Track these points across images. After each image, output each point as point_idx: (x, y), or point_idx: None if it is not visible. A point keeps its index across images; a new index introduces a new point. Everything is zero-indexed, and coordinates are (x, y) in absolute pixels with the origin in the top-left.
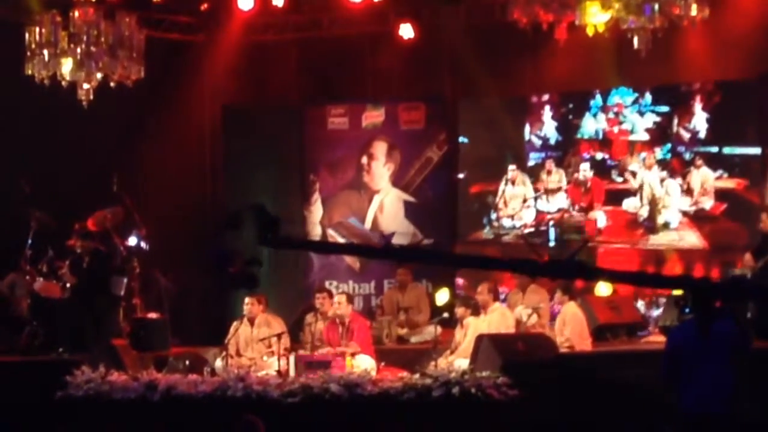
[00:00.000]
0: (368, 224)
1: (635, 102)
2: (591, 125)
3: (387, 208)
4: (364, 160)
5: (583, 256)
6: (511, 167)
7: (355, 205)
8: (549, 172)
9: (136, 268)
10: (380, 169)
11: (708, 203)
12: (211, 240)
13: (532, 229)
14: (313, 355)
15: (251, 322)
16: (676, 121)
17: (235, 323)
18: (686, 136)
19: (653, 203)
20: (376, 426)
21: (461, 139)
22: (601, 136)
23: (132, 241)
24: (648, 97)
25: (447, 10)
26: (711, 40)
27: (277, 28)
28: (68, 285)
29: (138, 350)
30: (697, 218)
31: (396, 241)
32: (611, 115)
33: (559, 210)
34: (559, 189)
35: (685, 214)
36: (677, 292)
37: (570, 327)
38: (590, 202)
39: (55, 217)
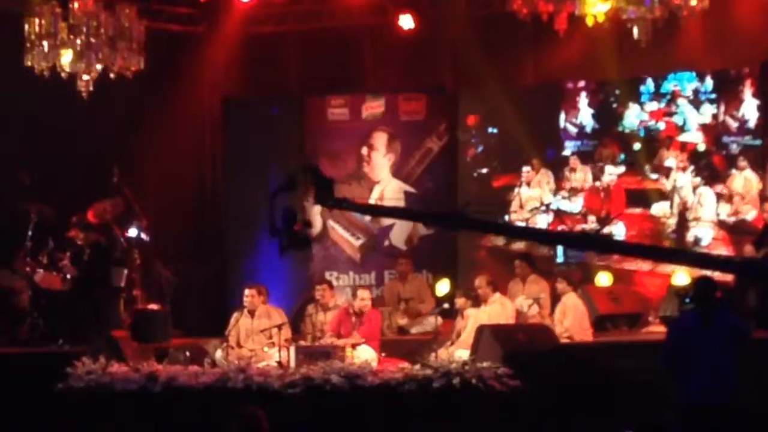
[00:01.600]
0: (368, 215)
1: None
2: (634, 115)
3: (387, 199)
4: (365, 150)
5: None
6: (526, 169)
7: (355, 195)
8: (573, 170)
9: (137, 259)
10: (380, 160)
11: (751, 213)
12: (268, 202)
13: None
14: (313, 346)
15: (252, 313)
16: (723, 108)
17: (235, 314)
18: (734, 125)
19: (683, 214)
20: (376, 417)
21: (490, 129)
22: (643, 132)
23: (132, 232)
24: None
25: (447, 0)
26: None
27: (276, 19)
28: (69, 277)
29: (139, 342)
30: (736, 231)
31: (396, 232)
32: (662, 105)
33: (572, 216)
34: (582, 190)
35: (722, 225)
36: (678, 284)
37: (570, 317)
38: (608, 212)
39: (55, 209)
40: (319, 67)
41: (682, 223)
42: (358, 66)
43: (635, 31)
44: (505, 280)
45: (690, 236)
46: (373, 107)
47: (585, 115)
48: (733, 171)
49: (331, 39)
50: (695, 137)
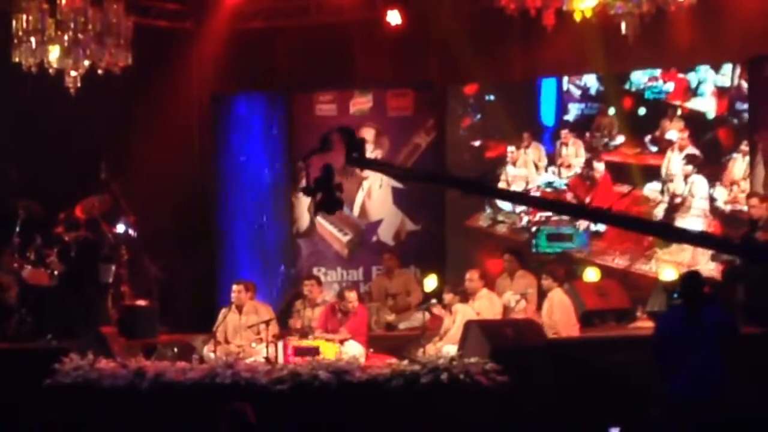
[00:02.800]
0: (356, 211)
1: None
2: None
3: (375, 195)
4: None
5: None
6: (510, 148)
7: (343, 191)
8: (565, 144)
9: (125, 255)
10: (368, 156)
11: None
12: (304, 161)
13: (526, 222)
14: (301, 342)
15: (239, 309)
16: (738, 71)
17: (223, 310)
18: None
19: (671, 203)
20: (364, 412)
21: (487, 97)
22: (649, 94)
23: (120, 228)
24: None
25: None
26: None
27: (264, 15)
28: (56, 273)
29: (126, 337)
30: (731, 221)
31: (384, 227)
32: None
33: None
34: (570, 166)
35: (716, 213)
36: (666, 279)
37: (556, 313)
38: (592, 201)
39: (42, 205)
40: (306, 63)
41: (671, 211)
42: (346, 62)
43: (623, 26)
44: (493, 276)
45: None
46: (361, 103)
47: (589, 77)
48: (734, 155)
49: (319, 35)
50: (706, 104)
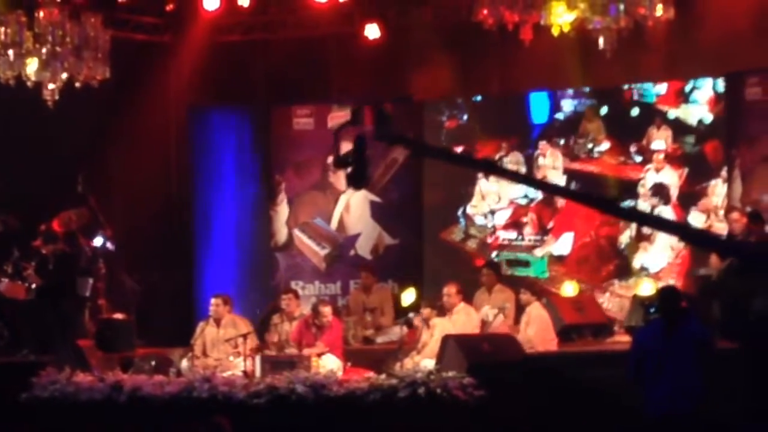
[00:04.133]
0: (334, 224)
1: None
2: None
3: (353, 209)
4: (330, 160)
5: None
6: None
7: (321, 205)
8: (542, 155)
9: (102, 268)
10: (346, 170)
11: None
12: (336, 134)
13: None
14: (279, 356)
15: (217, 322)
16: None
17: (201, 324)
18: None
19: (638, 231)
20: (341, 427)
21: (476, 98)
22: (653, 97)
23: (98, 241)
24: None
25: (413, 10)
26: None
27: (242, 28)
28: (33, 286)
29: (104, 351)
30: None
31: (362, 241)
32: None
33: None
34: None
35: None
36: (643, 294)
37: (534, 327)
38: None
39: (20, 218)
40: (285, 77)
41: (634, 242)
42: (324, 75)
43: (600, 41)
44: (471, 290)
45: (636, 262)
46: (339, 117)
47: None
48: (715, 181)
49: (297, 48)
50: (697, 112)
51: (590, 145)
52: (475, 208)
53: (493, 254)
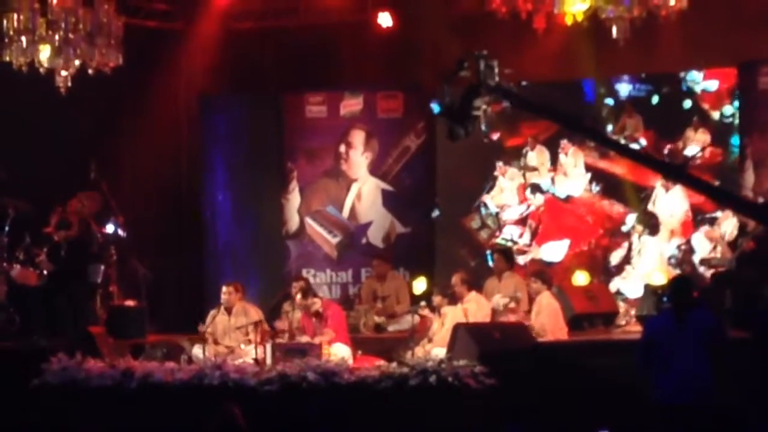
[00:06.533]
0: (346, 213)
1: None
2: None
3: (365, 197)
4: (342, 148)
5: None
6: (499, 163)
7: (333, 193)
8: (564, 153)
9: (113, 255)
10: (358, 158)
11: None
12: (446, 82)
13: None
14: (290, 344)
15: (228, 310)
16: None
17: (212, 312)
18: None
19: (629, 251)
20: (352, 414)
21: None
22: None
23: (109, 228)
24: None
25: None
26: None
27: (254, 16)
28: (45, 272)
29: (115, 338)
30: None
31: (373, 230)
32: None
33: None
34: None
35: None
36: (655, 283)
37: (544, 316)
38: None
39: (32, 205)
40: (297, 65)
41: (625, 261)
42: (337, 63)
43: (614, 30)
44: (482, 278)
45: (614, 285)
46: (351, 105)
47: None
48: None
49: (310, 36)
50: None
51: (624, 142)
52: (493, 199)
53: (487, 250)
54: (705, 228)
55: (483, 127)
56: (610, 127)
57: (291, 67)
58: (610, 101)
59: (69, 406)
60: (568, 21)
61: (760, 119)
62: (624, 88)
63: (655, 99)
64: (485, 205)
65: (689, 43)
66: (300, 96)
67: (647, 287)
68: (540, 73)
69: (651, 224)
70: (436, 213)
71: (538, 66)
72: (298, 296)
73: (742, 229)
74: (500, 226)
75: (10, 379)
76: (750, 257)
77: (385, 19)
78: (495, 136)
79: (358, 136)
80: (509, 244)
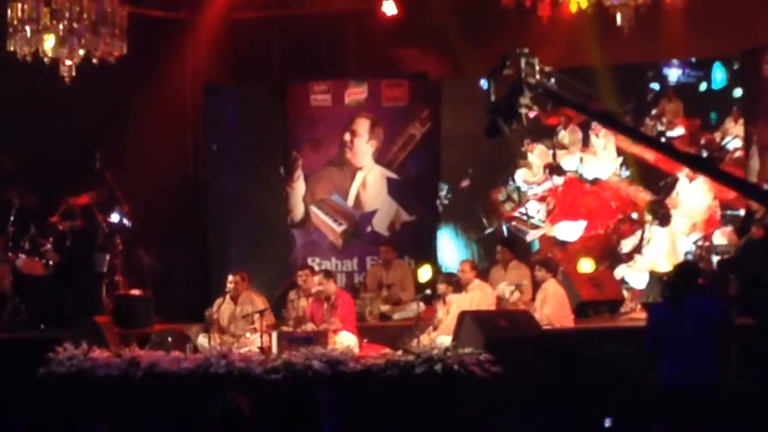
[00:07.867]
0: (351, 201)
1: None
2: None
3: (370, 185)
4: (347, 137)
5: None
6: (527, 140)
7: (337, 182)
8: (595, 134)
9: (119, 245)
10: (363, 146)
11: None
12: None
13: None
14: (295, 332)
15: (234, 299)
16: None
17: (218, 300)
18: None
19: (641, 241)
20: (358, 403)
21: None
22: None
23: (114, 218)
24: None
25: None
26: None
27: (259, 5)
28: (51, 262)
29: (121, 327)
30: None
31: (378, 218)
32: None
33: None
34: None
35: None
36: (660, 270)
37: (550, 304)
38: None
39: (37, 195)
40: (301, 53)
41: (635, 250)
42: (341, 52)
43: (618, 17)
44: (487, 267)
45: (618, 272)
46: (356, 93)
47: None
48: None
49: (314, 25)
50: None
51: (661, 128)
52: (522, 175)
53: (503, 224)
54: (730, 228)
55: (524, 123)
56: (653, 112)
57: (295, 56)
58: (655, 86)
59: (75, 395)
60: (572, 9)
61: (764, 106)
62: (673, 73)
63: (702, 86)
64: (513, 179)
65: (694, 30)
66: (305, 85)
67: (652, 274)
68: (545, 61)
69: (661, 214)
70: (466, 182)
71: (541, 53)
72: (318, 276)
73: (748, 214)
74: (522, 201)
75: (17, 368)
76: (759, 244)
77: (389, 8)
78: (532, 114)
79: (362, 125)
80: (524, 218)
